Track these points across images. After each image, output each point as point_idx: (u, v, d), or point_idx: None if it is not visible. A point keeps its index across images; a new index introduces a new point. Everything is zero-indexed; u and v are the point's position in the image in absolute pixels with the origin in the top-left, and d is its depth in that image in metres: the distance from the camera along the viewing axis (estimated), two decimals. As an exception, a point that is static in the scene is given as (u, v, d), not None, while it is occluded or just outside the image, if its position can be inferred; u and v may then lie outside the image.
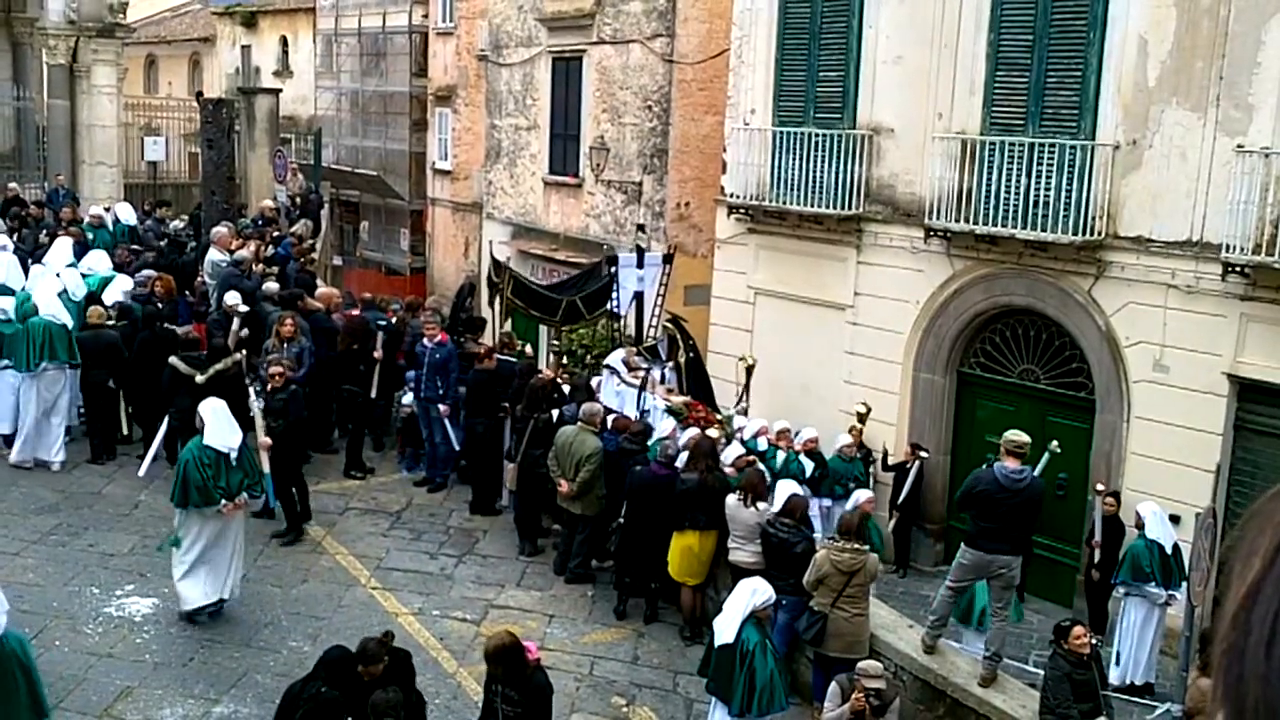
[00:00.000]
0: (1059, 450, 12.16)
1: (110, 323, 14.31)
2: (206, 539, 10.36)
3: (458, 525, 13.64)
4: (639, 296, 15.69)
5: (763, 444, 13.51)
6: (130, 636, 10.31)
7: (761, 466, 12.36)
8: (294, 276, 17.21)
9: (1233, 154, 11.62)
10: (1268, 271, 11.35)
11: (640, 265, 15.67)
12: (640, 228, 16.77)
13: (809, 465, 13.58)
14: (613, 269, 15.30)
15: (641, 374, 13.74)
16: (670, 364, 14.50)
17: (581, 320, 16.31)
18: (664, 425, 12.79)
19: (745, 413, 14.64)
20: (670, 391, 14.08)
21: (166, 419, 13.51)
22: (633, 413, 13.23)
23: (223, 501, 10.22)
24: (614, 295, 15.39)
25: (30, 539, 12.10)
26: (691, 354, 14.63)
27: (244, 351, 13.82)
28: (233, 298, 14.51)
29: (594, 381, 14.50)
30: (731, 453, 12.36)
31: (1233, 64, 11.72)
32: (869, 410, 14.65)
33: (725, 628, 8.77)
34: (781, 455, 13.49)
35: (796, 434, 14.00)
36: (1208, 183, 11.94)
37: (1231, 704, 0.80)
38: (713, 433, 12.57)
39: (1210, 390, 12.05)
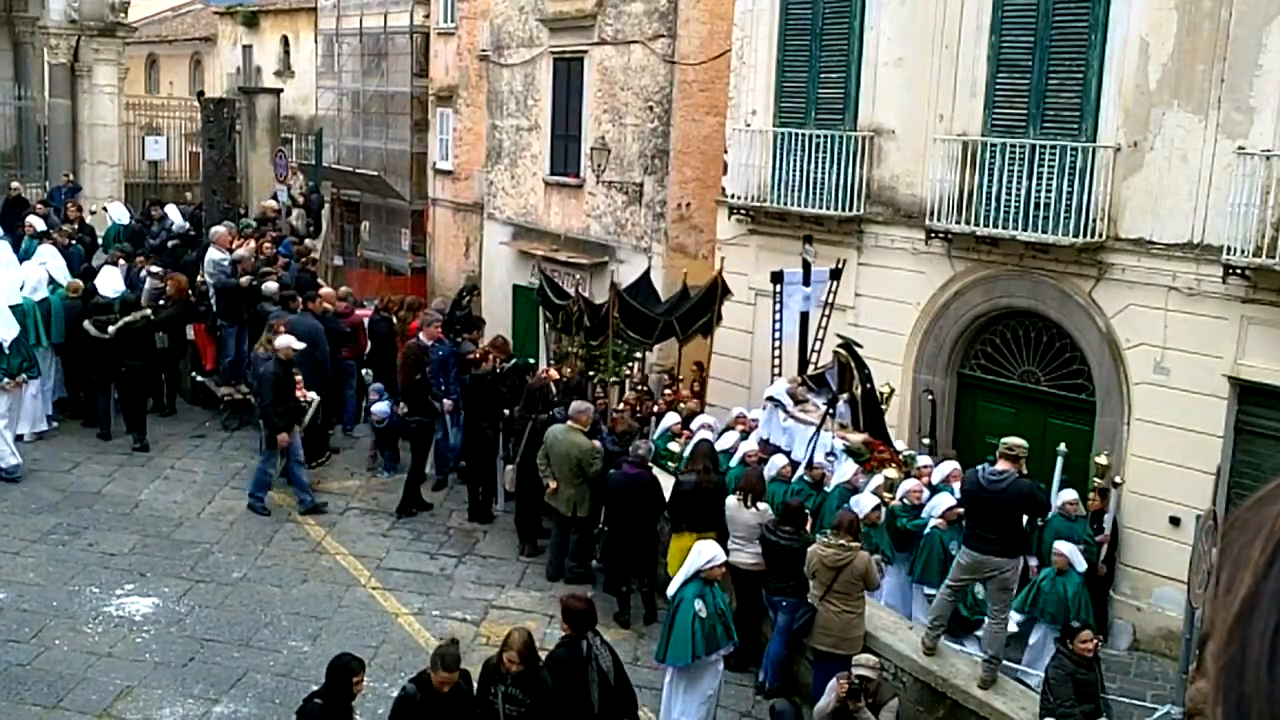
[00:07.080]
0: (1067, 450, 12.19)
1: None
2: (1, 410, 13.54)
3: (458, 525, 13.61)
4: (804, 318, 14.12)
5: (958, 490, 11.60)
6: (130, 636, 10.31)
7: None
8: (295, 277, 17.20)
9: (1234, 156, 11.63)
10: (1269, 274, 11.36)
11: (806, 283, 14.14)
12: (808, 239, 14.44)
13: None
14: (778, 286, 14.12)
15: (815, 408, 12.41)
16: (845, 395, 12.73)
17: (674, 338, 15.61)
18: (845, 468, 11.74)
19: (932, 451, 13.21)
20: (844, 428, 12.59)
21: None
22: (801, 451, 11.94)
23: (4, 379, 13.43)
24: (777, 318, 14.11)
25: (30, 538, 12.11)
26: (868, 384, 12.76)
27: (153, 310, 14.99)
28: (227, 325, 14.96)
29: (755, 415, 13.31)
30: (940, 504, 11.27)
31: (1234, 66, 11.72)
32: (892, 391, 13.73)
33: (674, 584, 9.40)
34: None
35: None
36: (1209, 185, 11.95)
37: None
38: (891, 473, 11.68)
39: (1211, 392, 12.05)
